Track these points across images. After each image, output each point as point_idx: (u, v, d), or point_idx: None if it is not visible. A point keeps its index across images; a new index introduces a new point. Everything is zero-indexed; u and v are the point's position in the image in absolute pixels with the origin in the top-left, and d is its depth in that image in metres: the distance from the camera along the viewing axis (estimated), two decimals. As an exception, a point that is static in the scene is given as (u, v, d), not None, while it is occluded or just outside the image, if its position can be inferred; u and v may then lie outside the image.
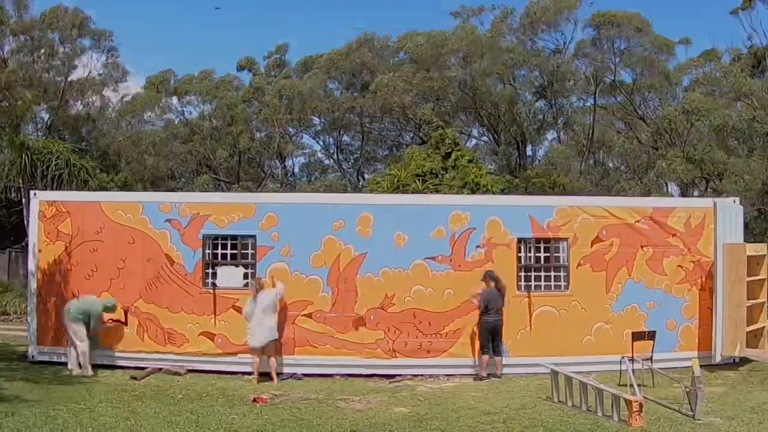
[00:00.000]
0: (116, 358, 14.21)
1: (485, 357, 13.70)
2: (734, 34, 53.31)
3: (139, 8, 73.67)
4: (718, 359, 13.94)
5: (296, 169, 44.60)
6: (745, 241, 15.18)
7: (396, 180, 25.79)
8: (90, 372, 13.44)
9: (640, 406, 9.52)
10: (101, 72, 38.94)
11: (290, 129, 41.33)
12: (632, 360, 12.20)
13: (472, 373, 13.78)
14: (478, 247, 14.16)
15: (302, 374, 13.73)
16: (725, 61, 36.07)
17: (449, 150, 26.86)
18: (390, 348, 13.97)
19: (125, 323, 14.19)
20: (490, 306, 13.58)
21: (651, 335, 13.09)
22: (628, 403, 9.74)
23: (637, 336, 12.99)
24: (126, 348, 14.18)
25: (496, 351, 13.70)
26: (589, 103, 36.91)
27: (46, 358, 14.31)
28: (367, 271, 14.03)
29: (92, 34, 37.36)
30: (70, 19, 36.08)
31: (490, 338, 13.64)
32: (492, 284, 13.68)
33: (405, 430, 9.75)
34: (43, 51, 36.18)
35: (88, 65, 38.27)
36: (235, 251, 14.25)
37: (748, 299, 13.94)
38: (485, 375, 13.63)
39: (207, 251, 14.22)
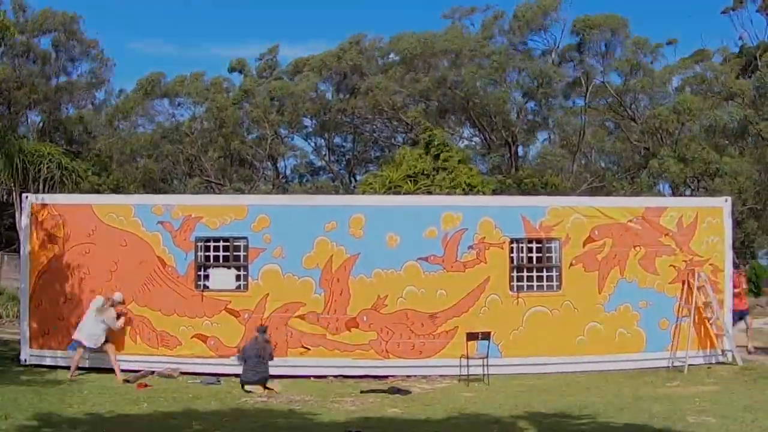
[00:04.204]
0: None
1: None
2: (725, 34, 53.48)
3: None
4: (730, 359, 14.05)
5: (288, 171, 44.58)
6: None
7: (388, 181, 25.72)
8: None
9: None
10: (90, 75, 38.97)
11: (282, 131, 41.28)
12: (467, 359, 13.05)
13: (464, 374, 13.61)
14: (470, 247, 14.17)
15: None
16: (716, 61, 36.21)
17: (438, 152, 26.79)
18: (383, 349, 13.97)
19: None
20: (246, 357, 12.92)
21: (485, 336, 13.40)
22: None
23: (471, 336, 13.31)
24: (119, 351, 14.11)
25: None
26: (579, 104, 37.00)
27: (38, 361, 14.24)
28: (359, 273, 14.03)
29: (81, 42, 37.39)
30: (60, 21, 36.08)
31: None
32: (258, 335, 13.25)
33: (398, 431, 9.74)
34: (35, 54, 36.18)
35: (79, 68, 38.35)
36: (227, 253, 14.23)
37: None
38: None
39: (199, 253, 14.20)
